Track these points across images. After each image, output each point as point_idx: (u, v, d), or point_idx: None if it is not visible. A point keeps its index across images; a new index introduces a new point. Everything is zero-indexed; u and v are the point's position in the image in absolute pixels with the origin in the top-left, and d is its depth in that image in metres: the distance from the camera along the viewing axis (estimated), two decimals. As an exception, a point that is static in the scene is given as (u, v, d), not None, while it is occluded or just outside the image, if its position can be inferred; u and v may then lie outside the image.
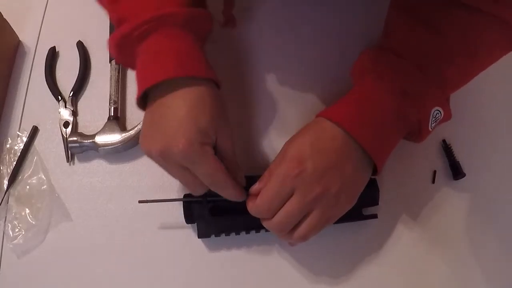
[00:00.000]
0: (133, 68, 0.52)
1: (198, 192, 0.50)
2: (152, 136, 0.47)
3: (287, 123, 0.62)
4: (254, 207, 0.49)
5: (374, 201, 0.56)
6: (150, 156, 0.48)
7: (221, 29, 0.66)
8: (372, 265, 0.57)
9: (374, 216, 0.57)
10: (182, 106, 0.46)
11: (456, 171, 0.60)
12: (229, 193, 0.49)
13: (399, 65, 0.51)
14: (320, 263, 0.57)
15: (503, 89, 0.66)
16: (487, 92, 0.66)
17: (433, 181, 0.61)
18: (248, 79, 0.65)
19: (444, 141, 0.62)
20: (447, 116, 0.54)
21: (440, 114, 0.53)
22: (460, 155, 0.61)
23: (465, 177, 0.60)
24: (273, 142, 0.62)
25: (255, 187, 0.50)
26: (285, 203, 0.48)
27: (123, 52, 0.50)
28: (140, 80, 0.49)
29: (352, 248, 0.58)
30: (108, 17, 0.64)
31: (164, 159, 0.46)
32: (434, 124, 0.53)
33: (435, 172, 0.61)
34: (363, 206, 0.57)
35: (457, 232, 0.59)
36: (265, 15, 0.68)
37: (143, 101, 0.51)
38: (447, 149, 0.61)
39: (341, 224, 0.56)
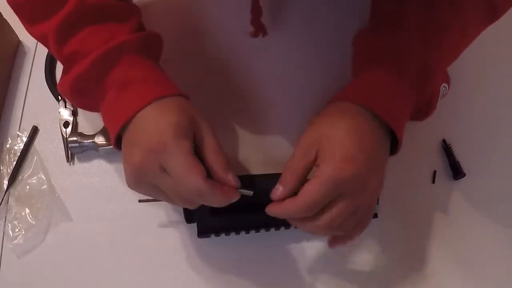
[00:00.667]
0: (91, 108, 0.51)
1: (182, 205, 0.47)
2: (132, 149, 0.44)
3: (288, 123, 0.62)
4: (293, 205, 0.44)
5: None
6: (133, 169, 0.44)
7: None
8: (371, 265, 0.57)
9: (374, 215, 0.57)
10: (158, 114, 0.44)
11: (456, 171, 0.60)
12: (213, 197, 0.43)
13: (409, 41, 0.49)
14: (319, 262, 0.57)
15: (503, 89, 0.66)
16: (487, 92, 0.66)
17: (433, 181, 0.61)
18: (271, 88, 0.65)
19: (444, 141, 0.62)
20: (447, 92, 0.54)
21: (446, 89, 0.53)
22: (460, 155, 0.61)
23: (465, 177, 0.60)
24: (273, 141, 0.62)
25: (279, 191, 0.46)
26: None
27: (82, 93, 0.48)
28: (113, 117, 0.46)
29: (350, 248, 0.58)
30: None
31: (144, 164, 0.43)
32: (440, 100, 0.53)
33: (435, 172, 0.61)
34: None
35: (457, 232, 0.59)
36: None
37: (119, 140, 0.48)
38: (447, 149, 0.61)
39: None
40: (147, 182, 0.45)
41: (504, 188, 0.61)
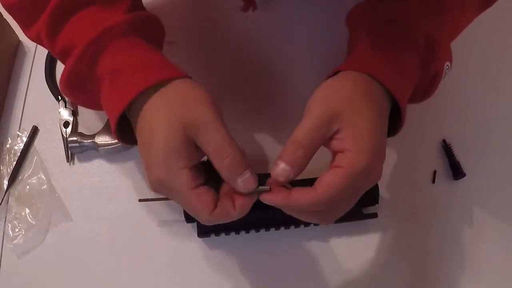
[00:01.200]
0: (92, 105, 0.49)
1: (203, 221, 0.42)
2: (147, 160, 0.41)
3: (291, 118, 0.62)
4: (312, 197, 0.39)
5: (374, 200, 0.56)
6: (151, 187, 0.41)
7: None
8: (371, 264, 0.57)
9: (374, 215, 0.57)
10: (155, 121, 0.40)
11: (456, 171, 0.60)
12: (225, 218, 0.40)
13: (416, 14, 0.46)
14: (319, 262, 0.57)
15: (503, 89, 0.66)
16: (487, 92, 0.66)
17: (433, 181, 0.61)
18: (260, 65, 0.64)
19: (444, 141, 0.62)
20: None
21: (448, 68, 0.50)
22: (460, 155, 0.61)
23: (465, 177, 0.60)
24: (273, 137, 0.62)
25: (287, 171, 0.40)
26: None
27: (78, 87, 0.46)
28: (109, 109, 0.44)
29: (351, 247, 0.58)
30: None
31: (157, 185, 0.40)
32: (442, 79, 0.50)
33: (435, 172, 0.61)
34: (363, 205, 0.57)
35: (457, 232, 0.59)
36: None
37: (123, 132, 0.46)
38: (447, 149, 0.61)
39: (341, 223, 0.57)
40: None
41: (504, 188, 0.61)
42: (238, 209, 0.40)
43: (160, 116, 0.40)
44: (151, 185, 0.41)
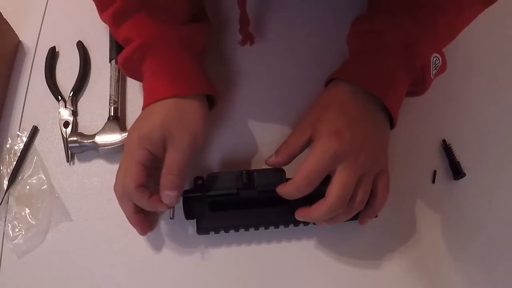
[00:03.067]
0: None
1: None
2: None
3: (283, 120, 0.62)
4: (292, 184, 0.49)
5: (374, 201, 0.56)
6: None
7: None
8: (370, 265, 0.57)
9: (374, 215, 0.57)
10: (142, 118, 0.54)
11: (456, 171, 0.60)
12: (141, 204, 0.52)
13: (395, 20, 0.54)
14: (318, 261, 0.57)
15: (503, 89, 0.66)
16: (487, 92, 0.66)
17: (433, 181, 0.61)
18: (257, 95, 0.66)
19: (444, 141, 0.62)
20: (443, 66, 0.56)
21: (439, 60, 0.55)
22: (460, 155, 0.61)
23: (465, 177, 0.60)
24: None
25: (272, 158, 0.54)
26: (324, 178, 0.49)
27: (130, 71, 0.57)
28: (143, 96, 0.55)
29: (350, 247, 0.58)
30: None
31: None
32: (434, 71, 0.55)
33: (435, 172, 0.61)
34: (362, 206, 0.57)
35: (457, 232, 0.58)
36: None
37: None
38: (447, 149, 0.61)
39: (340, 223, 0.57)
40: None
41: (504, 188, 0.61)
42: (153, 199, 0.52)
43: (158, 112, 0.52)
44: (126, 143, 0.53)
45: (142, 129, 0.51)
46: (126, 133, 0.60)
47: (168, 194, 0.51)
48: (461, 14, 0.55)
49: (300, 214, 0.52)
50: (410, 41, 0.53)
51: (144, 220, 0.55)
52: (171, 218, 0.57)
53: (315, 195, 0.55)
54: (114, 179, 0.60)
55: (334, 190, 0.48)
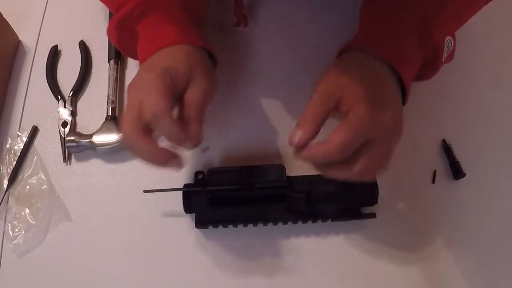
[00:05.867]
0: (131, 50, 0.54)
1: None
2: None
3: (287, 119, 0.62)
4: (325, 147, 0.44)
5: (373, 200, 0.56)
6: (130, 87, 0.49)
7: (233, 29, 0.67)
8: (369, 264, 0.57)
9: (373, 215, 0.57)
10: (167, 51, 0.50)
11: (456, 171, 0.60)
12: (166, 127, 0.45)
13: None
14: (316, 259, 0.57)
15: (503, 89, 0.66)
16: (487, 92, 0.65)
17: (433, 181, 0.61)
18: (251, 76, 0.65)
19: (444, 141, 0.62)
20: (453, 52, 0.57)
21: (451, 44, 0.55)
22: (460, 155, 0.61)
23: (465, 177, 0.60)
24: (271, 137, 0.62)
25: (299, 136, 0.45)
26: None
27: (124, 33, 0.54)
28: (142, 53, 0.52)
29: (349, 246, 0.58)
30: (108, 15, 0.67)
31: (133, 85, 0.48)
32: (446, 54, 0.55)
33: (435, 172, 0.61)
34: (362, 205, 0.57)
35: (457, 232, 0.58)
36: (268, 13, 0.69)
37: None
38: (447, 149, 0.61)
39: (339, 222, 0.57)
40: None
41: (504, 188, 0.60)
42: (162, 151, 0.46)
43: (182, 48, 0.50)
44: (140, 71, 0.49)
45: (165, 62, 0.47)
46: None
47: (194, 128, 0.46)
48: (469, 3, 0.55)
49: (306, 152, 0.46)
50: (426, 17, 0.51)
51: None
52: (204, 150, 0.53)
53: (316, 196, 0.55)
54: (114, 179, 0.60)
55: (342, 133, 0.44)
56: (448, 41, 0.54)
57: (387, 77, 0.49)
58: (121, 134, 0.46)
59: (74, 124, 0.63)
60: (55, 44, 0.68)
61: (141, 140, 0.44)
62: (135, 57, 0.55)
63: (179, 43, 0.50)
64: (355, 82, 0.46)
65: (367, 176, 0.47)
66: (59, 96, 0.64)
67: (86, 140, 0.60)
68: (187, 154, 0.61)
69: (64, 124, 0.62)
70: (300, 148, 0.45)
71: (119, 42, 0.57)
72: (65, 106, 0.63)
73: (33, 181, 0.61)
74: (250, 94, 0.64)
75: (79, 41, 0.67)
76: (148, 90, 0.45)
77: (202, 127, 0.47)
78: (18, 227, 0.58)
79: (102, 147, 0.60)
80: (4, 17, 0.64)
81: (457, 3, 0.53)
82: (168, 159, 0.46)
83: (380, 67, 0.49)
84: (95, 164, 0.61)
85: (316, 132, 0.46)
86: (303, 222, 0.57)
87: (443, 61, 0.55)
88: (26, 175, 0.61)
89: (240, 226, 0.57)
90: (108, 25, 0.55)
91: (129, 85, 0.48)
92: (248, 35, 0.67)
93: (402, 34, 0.51)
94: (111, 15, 0.66)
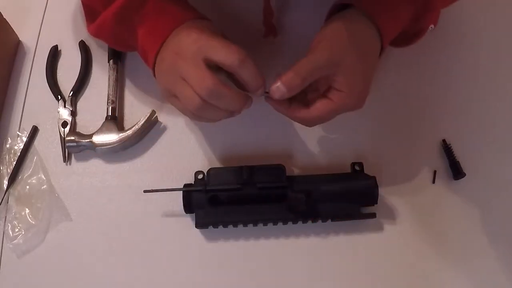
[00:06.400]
0: (124, 42, 0.55)
1: (199, 113, 0.48)
2: (165, 54, 0.50)
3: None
4: (306, 115, 0.50)
5: (373, 200, 0.56)
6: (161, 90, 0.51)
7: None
8: (368, 264, 0.57)
9: (373, 215, 0.57)
10: (186, 30, 0.49)
11: (456, 171, 0.60)
12: (229, 100, 0.47)
13: None
14: (316, 259, 0.57)
15: (503, 89, 0.66)
16: (487, 93, 0.65)
17: (433, 181, 0.61)
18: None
19: (444, 141, 0.62)
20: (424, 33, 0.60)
21: (431, 29, 0.58)
22: (460, 155, 0.61)
23: (465, 177, 0.60)
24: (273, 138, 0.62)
25: (281, 91, 0.48)
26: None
27: (122, 22, 0.53)
28: (150, 42, 0.51)
29: (348, 245, 0.58)
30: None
31: (176, 66, 0.47)
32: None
33: (435, 172, 0.61)
34: (361, 205, 0.57)
35: (457, 232, 0.58)
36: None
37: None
38: (447, 149, 0.61)
39: (339, 222, 0.57)
40: (171, 92, 0.49)
41: (504, 188, 0.60)
42: (240, 94, 0.48)
43: (194, 26, 0.50)
44: (161, 85, 0.50)
45: (201, 35, 0.48)
46: (124, 133, 0.60)
47: (257, 80, 0.48)
48: None
49: (277, 106, 0.51)
50: (427, 1, 0.53)
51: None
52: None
53: (316, 196, 0.55)
54: (114, 179, 0.60)
55: (318, 114, 0.49)
56: (430, 28, 0.57)
57: (377, 51, 0.52)
58: (203, 90, 0.45)
59: (74, 124, 0.63)
60: (55, 44, 0.68)
61: (225, 88, 0.46)
62: (130, 49, 0.55)
63: (188, 20, 0.50)
64: (352, 65, 0.48)
65: (308, 123, 0.52)
66: (59, 96, 0.64)
67: (86, 140, 0.60)
68: (187, 154, 0.62)
69: (64, 124, 0.62)
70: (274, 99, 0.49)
71: (115, 36, 0.56)
72: (65, 106, 0.63)
73: (33, 181, 0.61)
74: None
75: (79, 41, 0.67)
76: (193, 67, 0.46)
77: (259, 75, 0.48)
78: (18, 227, 0.58)
79: (102, 147, 0.60)
80: (4, 17, 0.64)
81: None
82: (247, 101, 0.49)
83: (375, 40, 0.51)
84: (95, 164, 0.62)
85: (297, 92, 0.49)
86: (303, 222, 0.57)
87: (417, 41, 0.59)
88: (26, 175, 0.61)
89: (240, 226, 0.57)
90: (98, 21, 0.54)
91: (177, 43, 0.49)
92: (276, 46, 0.67)
93: (403, 7, 0.53)
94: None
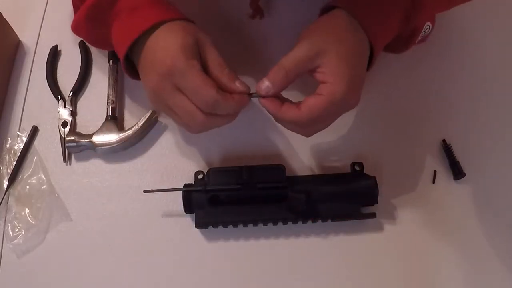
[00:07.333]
0: (103, 41, 0.54)
1: (198, 126, 0.49)
2: (148, 73, 0.49)
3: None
4: (296, 116, 0.47)
5: (373, 200, 0.56)
6: (150, 91, 0.49)
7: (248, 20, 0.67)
8: (368, 264, 0.57)
9: (373, 215, 0.57)
10: (168, 33, 0.48)
11: (456, 171, 0.60)
12: (228, 105, 0.47)
13: None
14: (317, 260, 0.57)
15: (503, 89, 0.66)
16: (487, 93, 0.65)
17: (433, 181, 0.61)
18: (266, 68, 0.65)
19: (444, 141, 0.62)
20: (427, 37, 0.60)
21: (429, 29, 0.57)
22: (460, 155, 0.61)
23: (465, 177, 0.60)
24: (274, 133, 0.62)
25: (268, 87, 0.48)
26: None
27: (94, 21, 0.52)
28: (122, 38, 0.51)
29: (348, 246, 0.58)
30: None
31: (160, 88, 0.47)
32: (420, 37, 0.58)
33: (435, 172, 0.61)
34: (361, 205, 0.57)
35: (457, 232, 0.58)
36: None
37: (129, 66, 0.53)
38: (447, 149, 0.61)
39: (339, 222, 0.57)
40: (163, 103, 0.49)
41: (504, 188, 0.60)
42: (237, 98, 0.48)
43: (173, 30, 0.48)
44: (159, 76, 0.47)
45: (175, 44, 0.46)
46: (124, 133, 0.60)
47: (239, 81, 0.48)
48: None
49: (268, 104, 0.49)
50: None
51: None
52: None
53: (316, 196, 0.55)
54: (114, 179, 0.60)
55: (309, 111, 0.47)
56: (426, 26, 0.56)
57: (365, 51, 0.51)
58: (207, 99, 0.46)
59: (74, 124, 0.63)
60: (55, 44, 0.68)
61: (224, 97, 0.46)
62: (108, 47, 0.54)
63: (163, 20, 0.49)
64: (336, 54, 0.47)
65: (302, 127, 0.50)
66: (59, 96, 0.64)
67: (86, 140, 0.60)
68: (187, 154, 0.62)
69: (64, 124, 0.62)
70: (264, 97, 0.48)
71: (90, 35, 0.56)
72: (65, 106, 0.63)
73: (33, 181, 0.61)
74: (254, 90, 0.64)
75: (79, 41, 0.67)
76: (185, 79, 0.46)
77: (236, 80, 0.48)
78: (18, 227, 0.58)
79: (102, 147, 0.60)
80: (4, 17, 0.64)
81: None
82: (245, 100, 0.49)
83: (363, 39, 0.50)
84: (95, 164, 0.61)
85: (284, 89, 0.49)
86: (303, 222, 0.57)
87: (416, 42, 0.57)
88: (26, 175, 0.61)
89: (240, 226, 0.57)
90: (74, 18, 0.53)
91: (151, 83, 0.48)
92: (263, 27, 0.67)
93: (389, 7, 0.52)
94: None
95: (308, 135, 0.52)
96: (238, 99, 0.48)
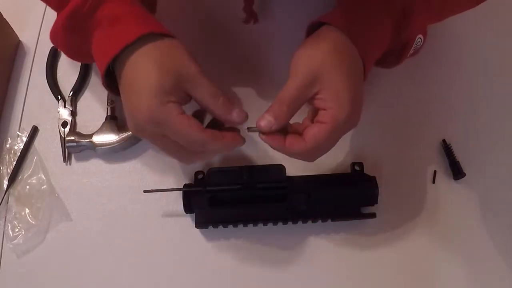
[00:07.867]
0: (81, 52, 0.51)
1: (189, 160, 0.49)
2: (128, 113, 0.46)
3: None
4: (301, 148, 0.46)
5: (373, 200, 0.56)
6: (130, 127, 0.47)
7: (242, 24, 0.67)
8: (368, 264, 0.57)
9: (373, 215, 0.57)
10: (146, 65, 0.45)
11: (456, 171, 0.60)
12: (218, 145, 0.46)
13: None
14: (316, 259, 0.57)
15: (503, 89, 0.66)
16: (487, 93, 0.65)
17: (433, 181, 0.61)
18: (260, 73, 0.65)
19: (444, 141, 0.62)
20: (420, 50, 0.58)
21: (421, 42, 0.56)
22: (460, 155, 0.61)
23: (465, 177, 0.60)
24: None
25: (271, 123, 0.46)
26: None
27: (72, 30, 0.49)
28: (104, 49, 0.47)
29: (348, 246, 0.58)
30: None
31: (141, 133, 0.46)
32: (412, 51, 0.56)
33: (435, 172, 0.61)
34: (361, 205, 0.57)
35: (457, 232, 0.58)
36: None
37: (111, 80, 0.49)
38: (447, 149, 0.61)
39: (339, 222, 0.57)
40: (149, 140, 0.47)
41: (504, 188, 0.60)
42: (229, 138, 0.47)
43: (151, 61, 0.45)
44: (136, 124, 0.45)
45: (150, 87, 0.43)
46: (124, 133, 0.60)
47: (237, 111, 0.46)
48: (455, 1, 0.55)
49: (270, 140, 0.47)
50: (408, 8, 0.50)
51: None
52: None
53: (316, 196, 0.55)
54: (114, 179, 0.60)
55: (315, 142, 0.45)
56: (418, 39, 0.55)
57: (360, 68, 0.49)
58: (193, 142, 0.45)
59: (74, 124, 0.63)
60: (55, 44, 0.68)
61: (213, 138, 0.45)
62: (88, 60, 0.52)
63: (143, 34, 0.45)
64: (334, 78, 0.45)
65: (309, 157, 0.49)
66: (59, 96, 0.64)
67: (86, 140, 0.60)
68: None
69: (64, 124, 0.62)
70: (266, 133, 0.46)
71: (67, 45, 0.52)
72: (65, 106, 0.63)
73: (33, 181, 0.61)
74: (252, 92, 0.64)
75: (79, 41, 0.67)
76: (167, 125, 0.44)
77: (232, 108, 0.47)
78: (18, 227, 0.58)
79: (102, 147, 0.60)
80: (4, 17, 0.64)
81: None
82: (238, 141, 0.48)
83: (356, 55, 0.48)
84: (95, 164, 0.61)
85: (287, 121, 0.47)
86: (303, 222, 0.57)
87: (408, 56, 0.56)
88: (26, 175, 0.61)
89: (240, 226, 0.57)
90: (52, 27, 0.50)
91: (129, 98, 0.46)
92: (257, 32, 0.67)
93: (379, 21, 0.50)
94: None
95: (312, 161, 0.50)
96: (231, 139, 0.46)
